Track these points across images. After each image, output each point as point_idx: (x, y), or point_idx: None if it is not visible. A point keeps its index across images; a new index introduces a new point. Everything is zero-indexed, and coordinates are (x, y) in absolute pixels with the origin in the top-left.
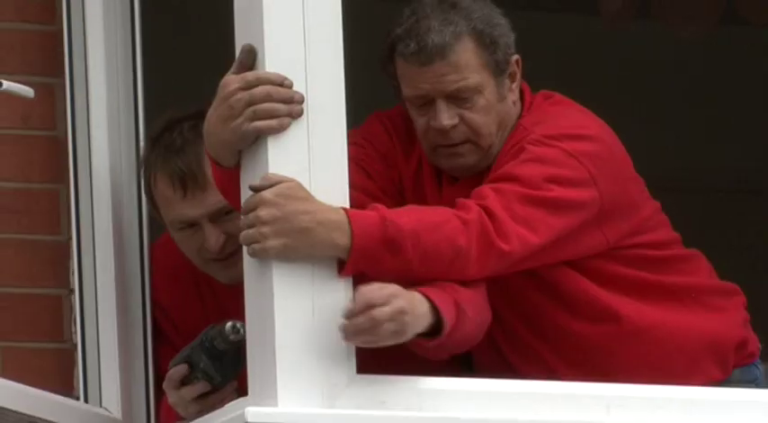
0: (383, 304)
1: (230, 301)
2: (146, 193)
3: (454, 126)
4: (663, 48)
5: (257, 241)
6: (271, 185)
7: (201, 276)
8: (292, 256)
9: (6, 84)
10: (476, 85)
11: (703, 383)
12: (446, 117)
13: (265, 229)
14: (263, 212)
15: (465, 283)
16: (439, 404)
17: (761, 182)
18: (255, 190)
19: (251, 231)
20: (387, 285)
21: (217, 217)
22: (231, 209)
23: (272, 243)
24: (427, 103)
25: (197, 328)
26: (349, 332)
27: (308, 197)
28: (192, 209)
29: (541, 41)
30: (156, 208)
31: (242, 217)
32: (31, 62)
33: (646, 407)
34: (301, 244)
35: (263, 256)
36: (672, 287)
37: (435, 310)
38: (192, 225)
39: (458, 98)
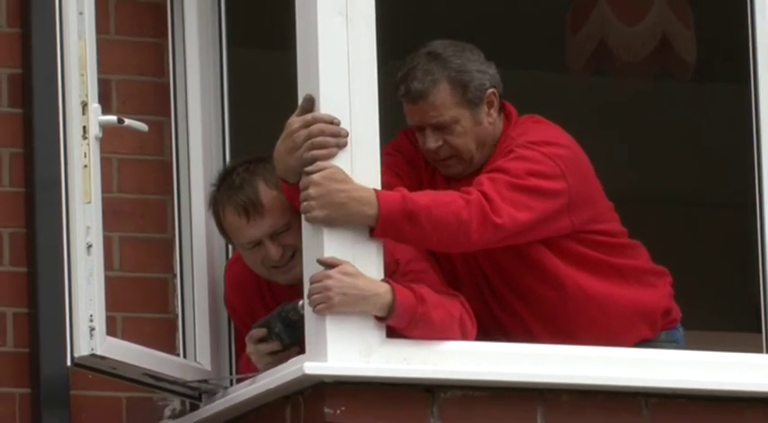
0: (319, 280)
1: (286, 298)
2: (217, 225)
3: (439, 147)
4: (615, 94)
5: (308, 211)
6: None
7: (263, 284)
8: (334, 224)
9: (128, 121)
10: (451, 119)
11: (637, 341)
12: (431, 141)
13: (313, 203)
14: (312, 190)
15: (446, 297)
16: (449, 361)
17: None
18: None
19: (304, 204)
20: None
21: (275, 235)
22: (285, 228)
23: (318, 213)
24: (420, 130)
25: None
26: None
27: (346, 179)
28: (255, 230)
29: (521, 93)
30: (225, 235)
31: (301, 195)
32: (146, 105)
33: (596, 362)
34: (339, 214)
35: (312, 222)
36: (618, 266)
37: (394, 303)
38: (257, 243)
39: (440, 127)
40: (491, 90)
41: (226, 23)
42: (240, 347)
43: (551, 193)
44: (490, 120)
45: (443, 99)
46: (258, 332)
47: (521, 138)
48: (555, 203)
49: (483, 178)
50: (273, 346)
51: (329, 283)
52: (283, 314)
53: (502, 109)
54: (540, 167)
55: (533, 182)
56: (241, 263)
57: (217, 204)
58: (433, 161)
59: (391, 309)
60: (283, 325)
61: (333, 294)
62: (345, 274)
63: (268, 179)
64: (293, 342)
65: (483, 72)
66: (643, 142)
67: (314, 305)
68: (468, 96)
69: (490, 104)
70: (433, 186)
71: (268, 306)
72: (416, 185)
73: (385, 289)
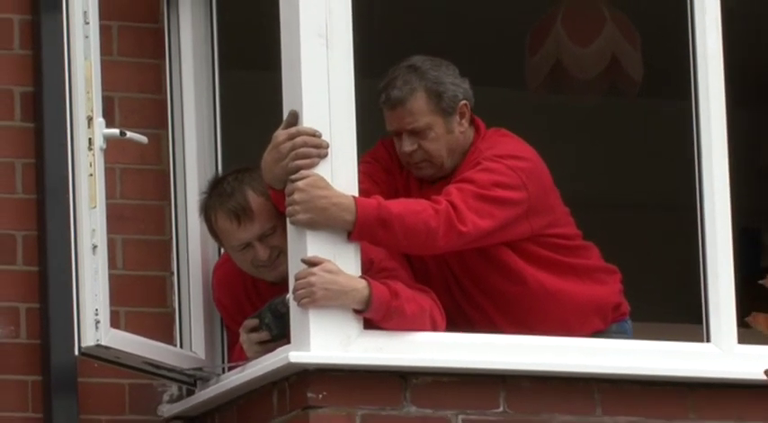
0: (303, 276)
1: (270, 296)
2: (209, 229)
3: (414, 151)
4: (569, 109)
5: (293, 215)
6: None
7: (249, 283)
8: (316, 227)
9: (129, 134)
10: (426, 125)
11: (590, 332)
12: (407, 145)
13: (297, 207)
14: (297, 196)
15: (419, 293)
16: (420, 350)
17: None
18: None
19: (289, 208)
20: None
21: (262, 237)
22: (272, 231)
23: (301, 217)
24: (398, 135)
25: (247, 317)
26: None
27: (327, 186)
28: (245, 234)
29: (488, 108)
30: (217, 238)
31: (286, 199)
32: (145, 119)
33: (554, 351)
34: (321, 218)
35: (297, 225)
36: (573, 265)
37: (371, 297)
38: (247, 245)
39: (415, 133)
40: (463, 102)
41: (217, 47)
42: (231, 340)
43: (513, 202)
44: (461, 129)
45: (419, 106)
46: (250, 322)
47: (488, 151)
48: (515, 211)
49: (452, 188)
50: (263, 335)
51: (312, 279)
52: (273, 307)
53: (473, 121)
54: (503, 179)
55: (497, 192)
56: (228, 265)
57: (209, 210)
58: (408, 164)
59: (368, 302)
60: (273, 316)
61: (316, 289)
62: (327, 271)
63: (255, 187)
64: (281, 332)
65: (457, 85)
66: (595, 152)
67: (299, 299)
68: (442, 105)
69: (462, 115)
70: (407, 191)
71: (254, 303)
72: (392, 191)
73: (363, 284)
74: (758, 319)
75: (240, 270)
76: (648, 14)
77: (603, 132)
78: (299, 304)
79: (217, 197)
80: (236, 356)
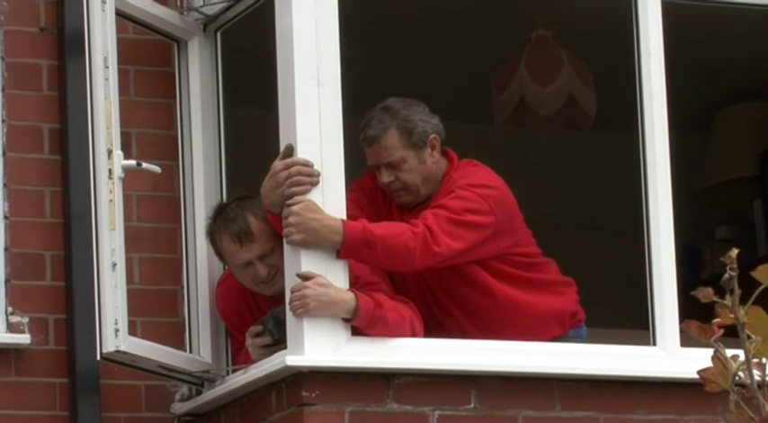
0: (299, 289)
1: (267, 308)
2: (214, 250)
3: (391, 181)
4: (532, 141)
5: (288, 235)
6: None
7: (249, 296)
8: (309, 246)
9: (145, 164)
10: (399, 158)
11: (550, 337)
12: (385, 177)
13: (293, 229)
14: (292, 219)
15: (400, 303)
16: (401, 354)
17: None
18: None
19: (285, 230)
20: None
21: (263, 257)
22: (271, 251)
23: (296, 237)
24: (377, 168)
25: (249, 326)
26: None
27: (319, 211)
28: (247, 254)
29: (460, 141)
30: (222, 257)
31: (282, 222)
32: (159, 152)
33: (518, 354)
34: (313, 238)
35: (292, 245)
36: (534, 280)
37: (357, 307)
38: (248, 264)
39: (391, 165)
40: (433, 136)
41: (222, 88)
42: (234, 346)
43: (482, 226)
44: (433, 160)
45: (393, 142)
46: (255, 329)
47: (461, 180)
48: (484, 234)
49: (428, 213)
50: (266, 340)
51: (306, 291)
52: (275, 315)
53: (445, 153)
54: (474, 205)
55: (468, 217)
56: (231, 280)
57: (214, 234)
58: (389, 192)
59: (355, 312)
60: (275, 323)
61: (309, 301)
62: (319, 284)
63: (256, 213)
64: (282, 337)
65: (426, 121)
66: (555, 179)
67: (294, 310)
68: (413, 140)
69: (433, 147)
70: (390, 216)
71: (253, 314)
72: (376, 216)
73: (350, 296)
74: (690, 326)
75: (242, 285)
76: (601, 58)
77: (562, 161)
78: (295, 314)
79: (221, 222)
80: (241, 359)
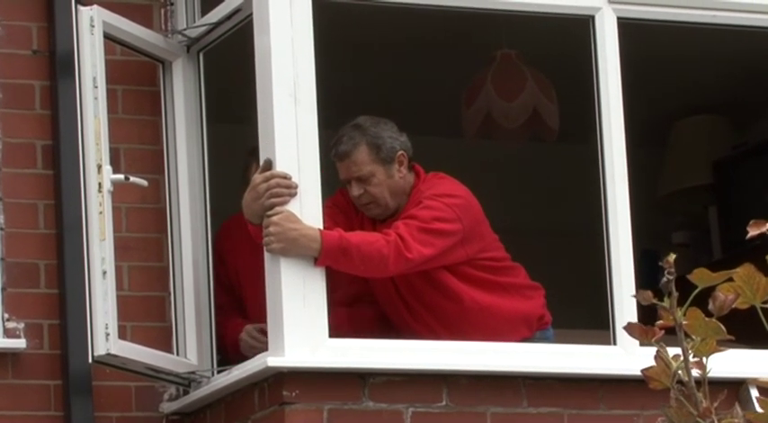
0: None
1: (370, 229)
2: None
3: (361, 195)
4: (498, 153)
5: (268, 244)
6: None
7: (253, 232)
8: (289, 254)
9: (132, 178)
10: (368, 173)
11: (518, 338)
12: (355, 190)
13: (272, 238)
14: (272, 229)
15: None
16: (376, 355)
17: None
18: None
19: (265, 239)
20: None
21: (359, 179)
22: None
23: (276, 246)
24: (348, 182)
25: (244, 265)
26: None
27: (297, 220)
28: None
29: (429, 154)
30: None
31: (263, 231)
32: (146, 166)
33: (487, 354)
34: (292, 247)
35: (272, 253)
36: (503, 284)
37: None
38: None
39: (361, 180)
40: (400, 152)
41: (205, 105)
42: (225, 330)
43: (450, 233)
44: (401, 174)
45: (362, 158)
46: (256, 326)
47: (428, 191)
48: (452, 240)
49: (399, 223)
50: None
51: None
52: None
53: (412, 168)
54: (441, 214)
55: (437, 225)
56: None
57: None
58: (359, 206)
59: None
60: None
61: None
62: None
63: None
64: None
65: (394, 138)
66: (520, 188)
67: (264, 246)
68: (381, 156)
69: (400, 163)
70: (362, 229)
71: (257, 252)
72: (349, 229)
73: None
74: (633, 328)
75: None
76: (562, 75)
77: (527, 171)
78: (266, 250)
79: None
80: (232, 345)
